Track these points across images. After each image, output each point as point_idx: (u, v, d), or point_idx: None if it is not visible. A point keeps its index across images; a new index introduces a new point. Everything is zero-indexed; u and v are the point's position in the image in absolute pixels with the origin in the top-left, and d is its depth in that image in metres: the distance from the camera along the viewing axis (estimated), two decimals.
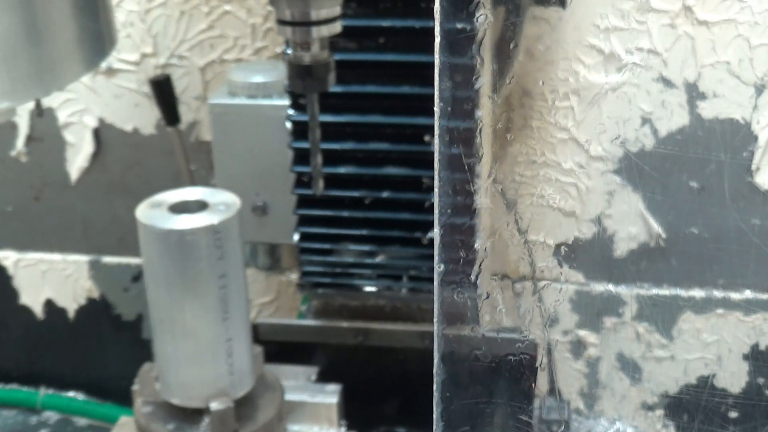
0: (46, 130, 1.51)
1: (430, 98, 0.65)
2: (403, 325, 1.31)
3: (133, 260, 1.58)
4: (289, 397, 1.16)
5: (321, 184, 1.15)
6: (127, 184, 1.52)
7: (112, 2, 0.91)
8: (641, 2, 1.18)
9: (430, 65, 0.64)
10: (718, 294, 1.35)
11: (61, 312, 1.66)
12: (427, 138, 1.15)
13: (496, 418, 0.79)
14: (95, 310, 1.65)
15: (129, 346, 1.65)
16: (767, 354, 1.38)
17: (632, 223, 1.31)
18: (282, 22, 0.97)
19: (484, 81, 0.70)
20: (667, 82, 1.24)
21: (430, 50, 0.64)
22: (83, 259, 1.61)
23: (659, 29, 1.20)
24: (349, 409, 1.20)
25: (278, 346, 1.28)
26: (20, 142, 1.52)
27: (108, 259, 1.60)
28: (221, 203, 1.02)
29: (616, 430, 1.15)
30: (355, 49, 1.14)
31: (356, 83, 1.15)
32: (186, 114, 1.43)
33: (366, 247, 1.24)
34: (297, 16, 0.95)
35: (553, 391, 1.06)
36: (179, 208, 1.02)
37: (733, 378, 1.38)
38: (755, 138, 1.25)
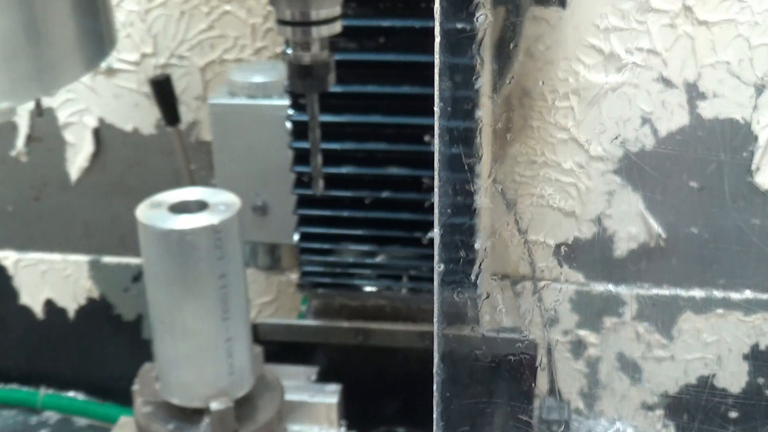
0: (46, 130, 1.51)
1: (430, 98, 0.65)
2: (403, 325, 1.31)
3: (133, 260, 1.58)
4: (289, 397, 1.16)
5: (321, 184, 1.15)
6: (127, 184, 1.52)
7: (112, 2, 0.91)
8: (641, 2, 1.18)
9: (430, 65, 0.64)
10: (718, 294, 1.35)
11: (61, 312, 1.66)
12: (427, 138, 1.15)
13: (496, 418, 0.79)
14: (95, 310, 1.65)
15: (129, 346, 1.65)
16: (767, 354, 1.38)
17: (632, 223, 1.31)
18: (282, 22, 0.97)
19: (484, 81, 0.70)
20: (667, 82, 1.24)
21: (430, 50, 0.64)
22: (83, 259, 1.61)
23: (659, 29, 1.20)
24: (349, 409, 1.20)
25: (278, 346, 1.28)
26: (20, 142, 1.53)
27: (108, 259, 1.61)
28: (221, 203, 1.02)
29: (616, 430, 1.15)
30: (355, 49, 1.14)
31: (356, 83, 1.15)
32: (186, 114, 1.43)
33: (366, 247, 1.24)
34: (297, 16, 0.95)
35: (553, 391, 1.06)
36: (179, 208, 1.02)
37: (733, 378, 1.38)
38: (755, 138, 1.25)
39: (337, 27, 0.98)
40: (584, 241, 1.35)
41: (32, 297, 1.66)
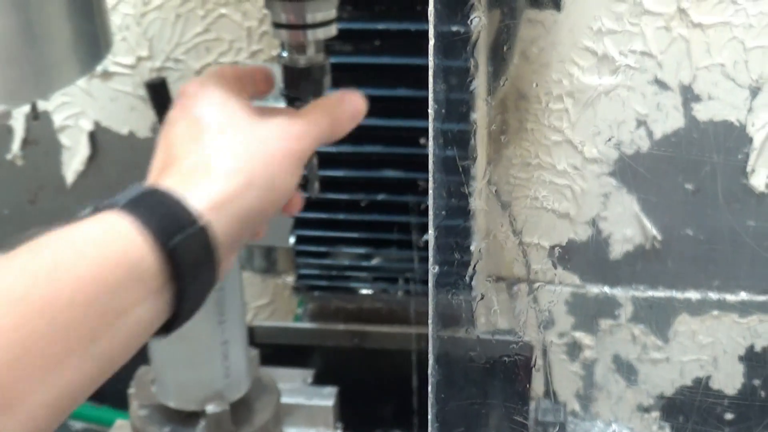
0: (42, 134, 1.50)
1: (426, 101, 0.65)
2: (398, 328, 1.31)
3: None
4: (286, 399, 1.16)
5: (317, 186, 1.15)
6: (123, 187, 1.52)
7: (107, 5, 0.91)
8: (636, 5, 1.19)
9: (426, 68, 0.64)
10: (713, 296, 1.36)
11: None
12: (422, 141, 1.15)
13: (492, 419, 0.80)
14: None
15: None
16: (762, 355, 1.38)
17: (627, 225, 1.32)
18: (277, 25, 0.97)
19: (478, 83, 0.70)
20: (661, 85, 1.24)
21: (426, 53, 0.64)
22: None
23: (654, 32, 1.21)
24: (345, 412, 1.20)
25: (274, 349, 1.28)
26: (16, 146, 1.52)
27: None
28: None
29: None
30: (350, 52, 1.14)
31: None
32: None
33: (362, 250, 1.24)
34: (292, 19, 0.95)
35: (548, 392, 1.06)
36: None
37: (729, 379, 1.39)
38: (750, 140, 1.25)
39: (332, 30, 0.98)
40: (579, 243, 1.35)
41: None
